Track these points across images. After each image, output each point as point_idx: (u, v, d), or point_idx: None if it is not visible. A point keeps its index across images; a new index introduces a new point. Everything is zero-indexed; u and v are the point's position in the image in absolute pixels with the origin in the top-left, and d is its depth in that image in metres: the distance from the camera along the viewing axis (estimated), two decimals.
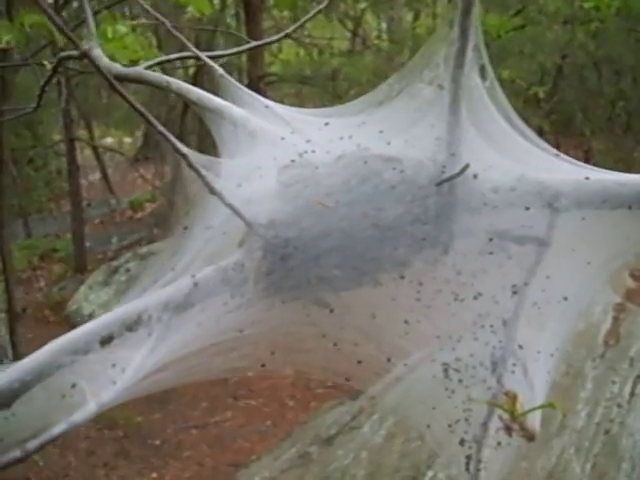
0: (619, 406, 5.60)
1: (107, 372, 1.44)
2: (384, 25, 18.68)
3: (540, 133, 13.46)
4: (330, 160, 1.65)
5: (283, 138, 1.73)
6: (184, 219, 1.70)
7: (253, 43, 3.25)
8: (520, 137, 1.74)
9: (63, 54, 2.84)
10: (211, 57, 2.32)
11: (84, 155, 16.63)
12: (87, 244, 13.58)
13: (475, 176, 1.59)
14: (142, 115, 1.39)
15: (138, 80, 2.22)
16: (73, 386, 1.41)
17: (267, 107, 1.88)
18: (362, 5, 13.66)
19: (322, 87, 12.44)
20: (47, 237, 15.61)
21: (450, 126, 1.59)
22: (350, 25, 15.81)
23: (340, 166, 1.63)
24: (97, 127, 18.73)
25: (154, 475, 7.48)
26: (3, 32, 4.01)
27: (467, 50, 1.49)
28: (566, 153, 1.79)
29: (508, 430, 1.32)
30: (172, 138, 1.41)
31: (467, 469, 1.61)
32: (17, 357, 7.29)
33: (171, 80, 2.08)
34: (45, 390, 1.40)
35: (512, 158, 1.68)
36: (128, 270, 11.49)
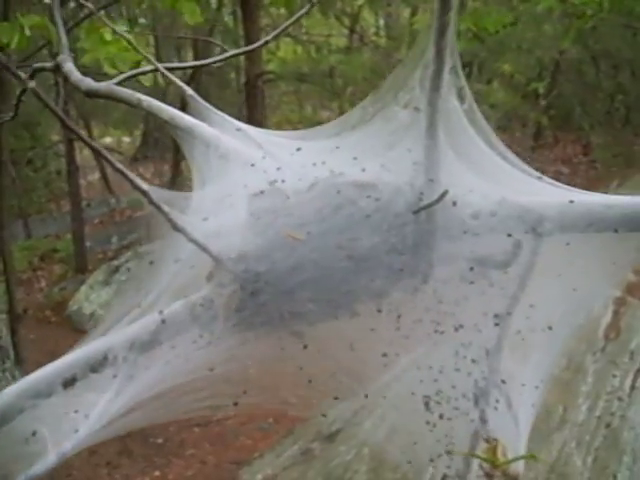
0: (620, 399, 5.60)
1: (69, 418, 1.38)
2: (381, 22, 18.59)
3: (539, 128, 13.42)
4: (302, 188, 1.59)
5: (253, 165, 1.66)
6: (150, 254, 1.64)
7: (238, 50, 3.17)
8: (501, 159, 1.68)
9: (36, 65, 2.80)
10: (193, 67, 2.25)
11: (83, 155, 16.58)
12: (87, 244, 13.57)
13: (454, 203, 1.52)
14: (104, 157, 1.34)
15: (109, 96, 2.16)
16: (34, 434, 1.36)
17: (239, 130, 1.82)
18: (359, 2, 13.56)
19: (320, 85, 12.39)
20: (47, 238, 15.61)
21: (428, 150, 1.52)
22: (347, 22, 15.74)
23: (313, 195, 1.56)
24: (96, 127, 18.69)
25: (157, 473, 7.49)
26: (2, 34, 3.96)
27: (443, 72, 1.42)
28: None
29: (489, 477, 1.26)
30: (131, 175, 1.36)
31: None
32: (19, 358, 7.29)
33: (142, 97, 2.01)
34: (7, 436, 1.35)
35: (493, 181, 1.61)
36: (129, 269, 11.46)
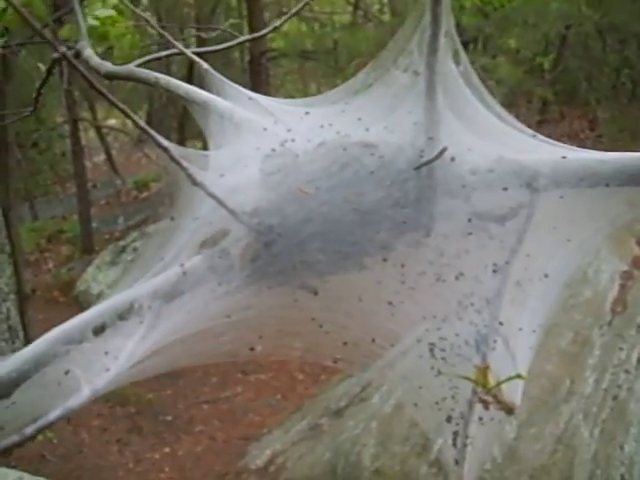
0: (627, 372, 5.63)
1: (101, 360, 1.50)
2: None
3: (544, 103, 13.36)
4: (311, 148, 1.70)
5: (265, 129, 1.77)
6: (171, 210, 1.75)
7: (245, 37, 3.27)
8: (497, 119, 1.78)
9: (56, 55, 2.87)
10: (200, 53, 2.34)
11: (88, 137, 16.63)
12: (94, 225, 13.64)
13: (453, 159, 1.63)
14: (123, 112, 1.43)
15: (128, 77, 2.27)
16: (67, 373, 1.47)
17: (251, 99, 1.92)
18: None
19: (324, 61, 12.39)
20: (54, 219, 15.67)
21: (427, 111, 1.62)
22: None
23: (321, 153, 1.68)
24: (100, 108, 18.70)
25: (167, 450, 7.56)
26: None
27: (439, 36, 1.51)
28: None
29: (484, 404, 1.36)
30: (153, 133, 1.46)
31: (454, 444, 1.66)
32: (28, 338, 7.37)
33: (159, 76, 2.13)
34: (42, 379, 1.46)
35: (490, 140, 1.71)
36: (135, 249, 11.54)
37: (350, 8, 16.26)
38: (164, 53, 2.56)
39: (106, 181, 17.08)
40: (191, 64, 13.44)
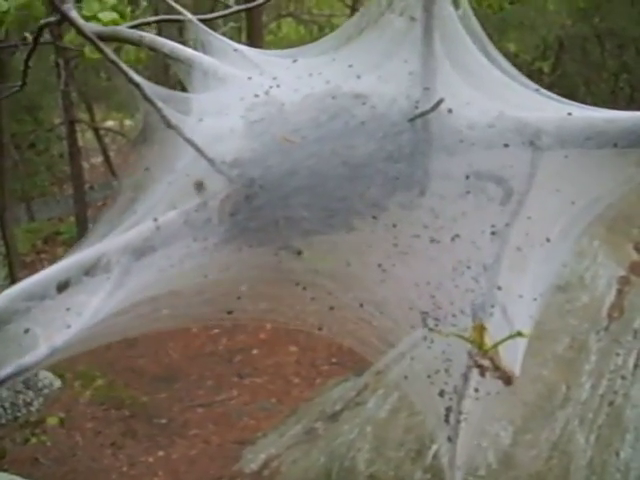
0: (623, 378, 5.61)
1: (62, 317, 1.38)
2: (384, 1, 18.50)
3: None
4: (298, 97, 1.58)
5: (250, 78, 1.66)
6: (145, 159, 1.63)
7: (238, 7, 3.17)
8: (498, 71, 1.67)
9: (42, 22, 2.80)
10: (200, 20, 2.26)
11: (86, 138, 16.61)
12: (90, 226, 13.57)
13: (450, 111, 1.51)
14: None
15: (112, 37, 2.18)
16: (26, 331, 1.36)
17: (236, 50, 1.82)
18: None
19: None
20: (50, 220, 15.67)
21: (424, 59, 1.51)
22: (349, 1, 15.67)
23: (308, 103, 1.56)
24: (98, 110, 18.67)
25: (161, 453, 7.55)
26: None
27: None
28: None
29: (481, 369, 1.24)
30: (124, 67, 1.35)
31: (447, 421, 1.55)
32: None
33: (144, 34, 2.03)
34: (2, 337, 1.35)
35: (490, 94, 1.60)
36: None
37: (348, 11, 16.26)
38: (153, 18, 2.48)
39: (103, 183, 17.03)
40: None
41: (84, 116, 16.89)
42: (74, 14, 2.41)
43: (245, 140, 1.51)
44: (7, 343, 1.36)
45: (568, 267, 6.21)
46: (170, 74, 15.73)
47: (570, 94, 13.03)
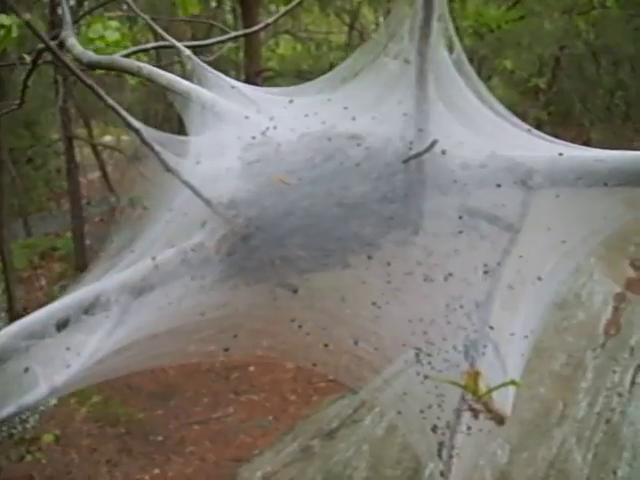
0: (620, 395, 5.59)
1: (62, 356, 1.40)
2: (381, 19, 18.61)
3: (539, 124, 13.45)
4: (294, 138, 1.61)
5: (247, 117, 1.69)
6: (144, 199, 1.66)
7: (236, 32, 3.22)
8: (490, 112, 1.70)
9: (41, 46, 2.83)
10: (191, 47, 2.29)
11: (83, 154, 16.60)
12: (87, 242, 13.58)
13: (444, 152, 1.54)
14: (96, 93, 1.36)
15: (110, 67, 2.22)
16: (26, 370, 1.38)
17: (233, 87, 1.85)
18: None
19: None
20: (47, 236, 15.64)
21: (417, 101, 1.54)
22: (347, 19, 15.76)
23: (304, 143, 1.59)
24: (96, 125, 18.69)
25: (157, 471, 7.50)
26: None
27: (432, 20, 1.44)
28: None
29: (473, 412, 1.26)
30: (123, 112, 1.38)
31: (439, 455, 1.57)
32: None
33: (142, 65, 2.07)
34: (2, 376, 1.37)
35: (482, 134, 1.63)
36: None
37: (346, 28, 16.34)
38: (150, 45, 2.51)
39: (100, 198, 17.04)
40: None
41: (82, 131, 16.92)
42: (71, 41, 2.45)
43: (241, 181, 1.54)
44: (6, 380, 1.38)
45: (565, 284, 6.23)
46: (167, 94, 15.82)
47: (566, 111, 13.13)
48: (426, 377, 1.48)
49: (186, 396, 8.86)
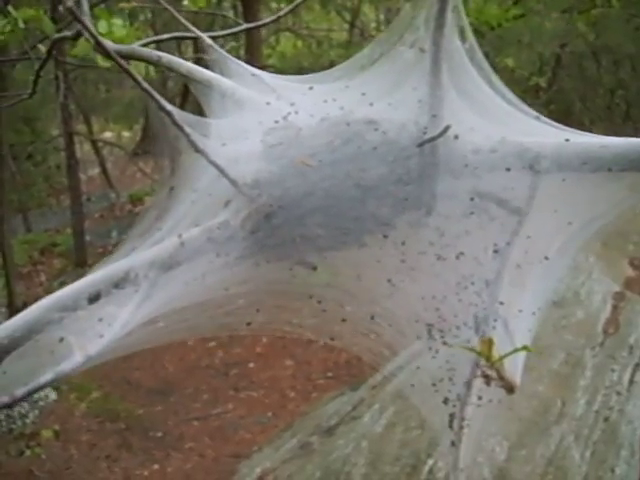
0: (618, 394, 5.61)
1: (94, 327, 1.47)
2: (382, 16, 18.67)
3: None
4: (314, 122, 1.69)
5: (268, 103, 1.77)
6: (170, 179, 1.73)
7: (248, 24, 3.27)
8: (501, 99, 1.77)
9: (57, 35, 2.86)
10: (210, 37, 2.34)
11: (83, 150, 16.60)
12: (87, 238, 13.57)
13: (456, 137, 1.62)
14: (133, 77, 1.42)
15: (130, 56, 2.26)
16: (61, 340, 1.44)
17: (254, 75, 1.92)
18: None
19: None
20: (47, 232, 15.60)
21: (432, 88, 1.62)
22: (348, 16, 15.78)
23: (324, 128, 1.66)
24: (96, 121, 18.69)
25: (156, 467, 7.49)
26: None
27: (447, 11, 1.51)
28: None
29: (486, 378, 1.34)
30: (157, 96, 1.44)
31: (450, 426, 1.64)
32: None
33: (162, 54, 2.12)
34: (35, 347, 1.44)
35: (493, 121, 1.70)
36: None
37: (347, 26, 16.36)
38: (166, 36, 2.56)
39: (100, 194, 17.04)
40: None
41: (82, 127, 16.93)
42: (93, 30, 2.50)
43: (264, 162, 1.62)
44: (39, 352, 1.45)
45: (564, 283, 6.27)
46: (168, 87, 15.85)
47: (566, 109, 13.09)
48: (445, 344, 1.55)
49: (185, 392, 8.85)
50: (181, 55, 12.06)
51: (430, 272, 1.67)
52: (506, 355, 1.32)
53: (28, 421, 7.74)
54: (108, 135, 19.36)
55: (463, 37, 1.68)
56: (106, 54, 1.49)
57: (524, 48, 10.60)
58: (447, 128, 1.57)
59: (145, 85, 1.42)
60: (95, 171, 17.86)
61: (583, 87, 13.68)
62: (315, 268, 1.61)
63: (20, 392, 1.36)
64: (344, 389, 7.38)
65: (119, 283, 1.50)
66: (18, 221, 14.98)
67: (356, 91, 1.76)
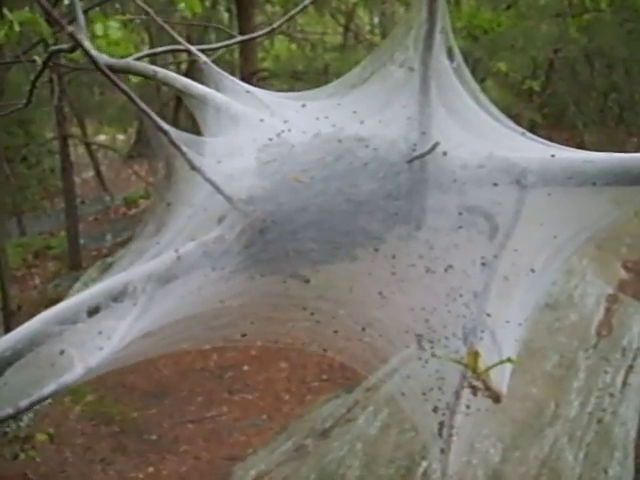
0: (611, 396, 5.64)
1: (94, 340, 1.52)
2: (376, 20, 18.73)
3: (533, 126, 13.55)
4: (306, 139, 1.74)
5: (262, 120, 1.81)
6: (167, 195, 1.77)
7: (242, 37, 3.31)
8: (488, 116, 1.82)
9: (54, 48, 2.89)
10: (200, 50, 2.38)
11: (78, 153, 16.59)
12: (81, 241, 13.58)
13: (445, 153, 1.67)
14: (129, 97, 1.46)
15: (126, 70, 2.29)
16: (61, 353, 1.48)
17: (248, 92, 1.96)
18: (354, 0, 13.70)
19: (314, 82, 12.47)
20: (41, 235, 15.58)
21: (421, 106, 1.66)
22: (342, 20, 15.81)
23: (316, 144, 1.71)
24: (90, 124, 18.69)
25: (151, 470, 7.48)
26: None
27: (435, 32, 1.56)
28: None
29: (473, 389, 1.38)
30: (154, 116, 1.48)
31: (440, 434, 1.69)
32: None
33: (158, 69, 2.16)
34: (36, 359, 1.48)
35: (481, 137, 1.75)
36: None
37: (341, 29, 16.39)
38: (161, 49, 2.59)
39: (95, 197, 17.03)
40: (186, 75, 13.49)
41: (76, 130, 16.92)
42: (86, 44, 2.53)
43: (258, 179, 1.67)
44: (39, 364, 1.49)
45: (557, 285, 6.31)
46: (162, 91, 15.84)
47: (560, 113, 13.11)
48: (433, 355, 1.60)
49: (180, 395, 8.85)
50: (175, 60, 12.04)
51: (420, 284, 1.72)
52: (491, 367, 1.37)
53: (22, 424, 7.72)
54: (102, 138, 19.34)
55: (451, 56, 1.73)
56: (103, 73, 1.53)
57: (518, 52, 10.65)
58: (436, 145, 1.62)
59: (143, 105, 1.46)
60: (89, 174, 17.85)
61: (576, 91, 13.74)
62: (308, 281, 1.66)
63: (24, 403, 1.39)
64: (339, 392, 7.40)
65: (118, 297, 1.54)
66: (12, 224, 14.96)
67: (347, 109, 1.81)
